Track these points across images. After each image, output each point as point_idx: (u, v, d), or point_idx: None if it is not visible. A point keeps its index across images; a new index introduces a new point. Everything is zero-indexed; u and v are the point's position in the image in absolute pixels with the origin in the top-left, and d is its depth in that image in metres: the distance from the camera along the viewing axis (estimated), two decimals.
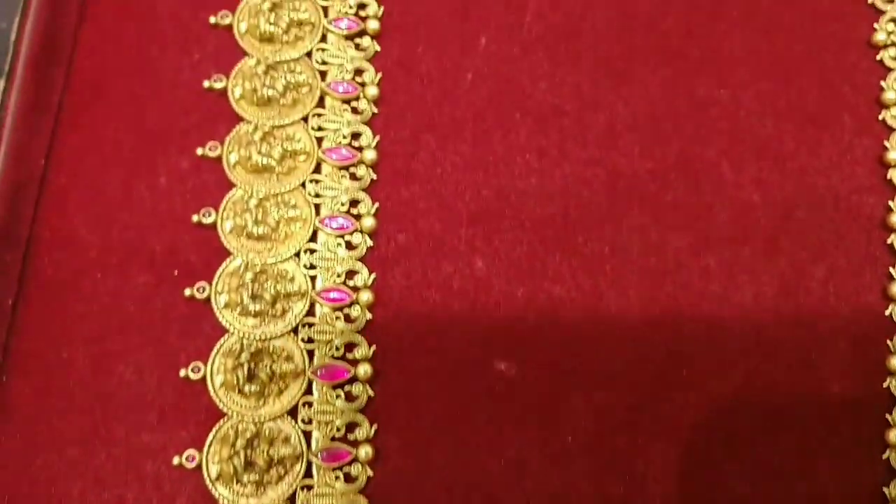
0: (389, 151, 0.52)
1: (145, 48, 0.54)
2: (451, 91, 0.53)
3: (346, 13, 0.54)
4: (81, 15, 0.54)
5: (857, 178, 0.52)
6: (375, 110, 0.52)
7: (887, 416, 0.47)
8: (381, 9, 0.55)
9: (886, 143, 0.52)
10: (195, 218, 0.50)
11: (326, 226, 0.49)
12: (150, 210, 0.51)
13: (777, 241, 0.50)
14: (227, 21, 0.54)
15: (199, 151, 0.51)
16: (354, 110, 0.52)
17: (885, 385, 0.47)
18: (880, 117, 0.53)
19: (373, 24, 0.54)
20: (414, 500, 0.46)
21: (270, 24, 0.52)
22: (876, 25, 0.55)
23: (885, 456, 0.46)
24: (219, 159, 0.51)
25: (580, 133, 0.52)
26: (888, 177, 0.51)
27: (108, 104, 0.53)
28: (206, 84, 0.52)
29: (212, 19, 0.54)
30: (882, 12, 0.55)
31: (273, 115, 0.51)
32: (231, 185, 0.50)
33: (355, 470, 0.46)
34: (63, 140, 0.52)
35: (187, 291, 0.48)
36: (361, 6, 0.54)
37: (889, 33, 0.54)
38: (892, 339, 0.48)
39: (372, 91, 0.52)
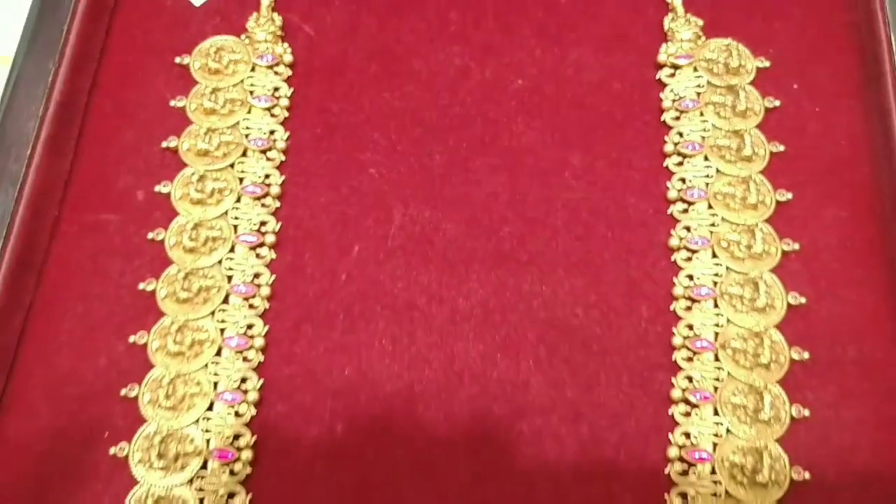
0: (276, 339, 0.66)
1: None
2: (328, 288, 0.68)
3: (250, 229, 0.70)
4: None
5: (649, 359, 0.64)
6: (267, 306, 0.67)
7: None
8: (279, 224, 0.70)
9: (674, 329, 0.65)
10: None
11: (221, 399, 0.63)
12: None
13: (580, 409, 0.62)
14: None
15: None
16: (251, 306, 0.67)
17: None
18: (672, 307, 0.66)
19: (270, 238, 0.69)
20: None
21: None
22: (672, 232, 0.68)
23: None
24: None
25: (426, 323, 0.66)
26: (673, 358, 0.64)
27: None
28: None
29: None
30: (678, 221, 0.69)
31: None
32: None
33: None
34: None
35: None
36: (263, 223, 0.70)
37: (681, 238, 0.68)
38: (668, 493, 0.60)
39: (265, 290, 0.67)
